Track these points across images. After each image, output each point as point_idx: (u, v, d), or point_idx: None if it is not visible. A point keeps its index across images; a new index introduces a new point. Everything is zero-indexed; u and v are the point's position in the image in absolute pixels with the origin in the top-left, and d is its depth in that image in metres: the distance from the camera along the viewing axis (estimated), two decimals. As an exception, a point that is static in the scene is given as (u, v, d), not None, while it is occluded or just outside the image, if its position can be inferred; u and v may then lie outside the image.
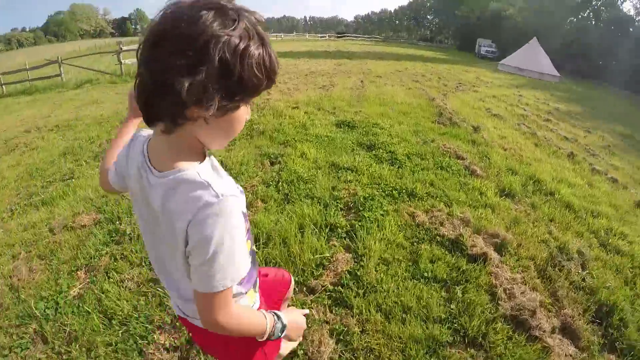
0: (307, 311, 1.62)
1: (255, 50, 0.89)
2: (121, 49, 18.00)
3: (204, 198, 0.94)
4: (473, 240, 4.01)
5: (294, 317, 1.41)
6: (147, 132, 1.17)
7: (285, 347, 1.89)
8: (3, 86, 19.24)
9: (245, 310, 1.24)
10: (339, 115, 8.80)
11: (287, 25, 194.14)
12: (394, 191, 5.01)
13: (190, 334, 1.65)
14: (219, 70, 0.85)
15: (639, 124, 16.02)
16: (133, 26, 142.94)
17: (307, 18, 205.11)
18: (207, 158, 1.07)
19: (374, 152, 6.44)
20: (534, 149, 7.94)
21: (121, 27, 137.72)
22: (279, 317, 1.30)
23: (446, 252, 3.88)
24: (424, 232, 4.20)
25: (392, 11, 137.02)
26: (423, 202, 4.84)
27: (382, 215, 4.43)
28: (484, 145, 7.41)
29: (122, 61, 17.87)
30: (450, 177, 5.65)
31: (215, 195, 0.94)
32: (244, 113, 1.02)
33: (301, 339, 1.80)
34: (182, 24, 0.83)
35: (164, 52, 0.85)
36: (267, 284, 1.71)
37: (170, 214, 0.99)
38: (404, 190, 5.06)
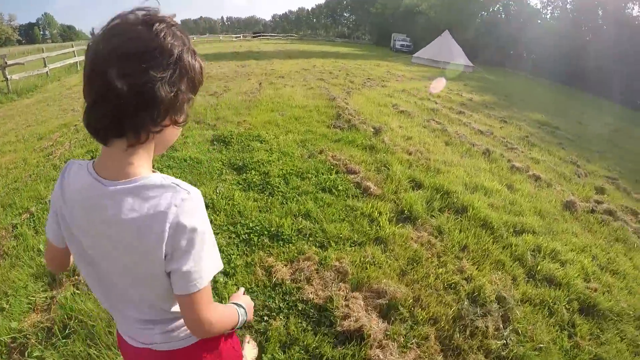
0: (243, 289, 1.60)
1: (197, 61, 1.00)
2: (6, 63, 15.95)
3: (178, 197, 0.96)
4: (348, 307, 2.80)
5: (244, 300, 1.42)
6: (79, 161, 1.09)
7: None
8: None
9: (219, 304, 1.20)
10: (219, 129, 7.44)
11: (204, 26, 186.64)
12: (252, 234, 3.72)
13: None
14: (191, 81, 0.98)
15: (553, 110, 15.90)
16: (41, 32, 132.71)
17: (225, 19, 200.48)
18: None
19: (244, 175, 5.15)
20: (445, 150, 6.96)
21: (28, 33, 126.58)
22: (238, 305, 1.34)
23: (307, 329, 2.68)
24: (280, 297, 2.95)
25: (309, 10, 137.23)
26: (289, 246, 3.59)
27: (224, 276, 3.13)
28: (383, 151, 6.29)
29: (8, 77, 15.89)
30: (335, 202, 4.45)
31: (187, 191, 0.98)
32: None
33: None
34: (152, 39, 0.88)
35: (142, 66, 0.87)
36: None
37: (141, 221, 0.95)
38: (266, 232, 3.78)
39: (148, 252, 0.97)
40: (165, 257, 0.97)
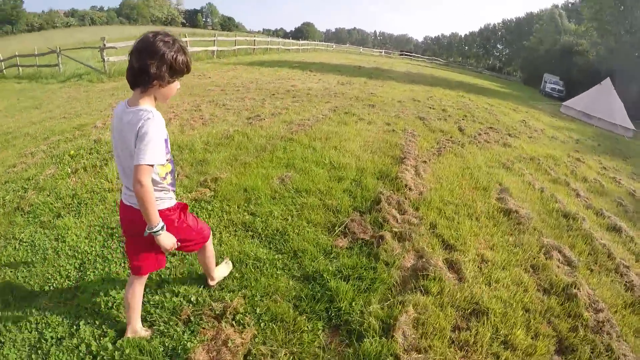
0: (177, 244, 2.36)
1: (180, 56, 2.07)
2: (104, 45, 16.41)
3: (146, 116, 2.02)
4: None
5: (169, 235, 2.22)
6: (124, 101, 2.20)
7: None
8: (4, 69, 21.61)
9: (154, 196, 2.11)
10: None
11: (357, 37, 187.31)
12: None
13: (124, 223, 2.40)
14: (169, 67, 2.04)
15: None
16: (204, 19, 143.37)
17: (377, 33, 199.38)
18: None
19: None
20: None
21: (192, 18, 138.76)
22: (161, 221, 2.14)
23: None
24: None
25: (462, 36, 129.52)
26: None
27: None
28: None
29: (106, 58, 16.52)
30: None
31: (152, 114, 2.05)
32: (175, 85, 2.19)
33: (167, 251, 2.31)
34: (152, 45, 2.00)
35: (145, 57, 1.99)
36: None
37: (131, 124, 2.03)
38: None
39: (131, 143, 2.01)
40: (135, 144, 1.99)
